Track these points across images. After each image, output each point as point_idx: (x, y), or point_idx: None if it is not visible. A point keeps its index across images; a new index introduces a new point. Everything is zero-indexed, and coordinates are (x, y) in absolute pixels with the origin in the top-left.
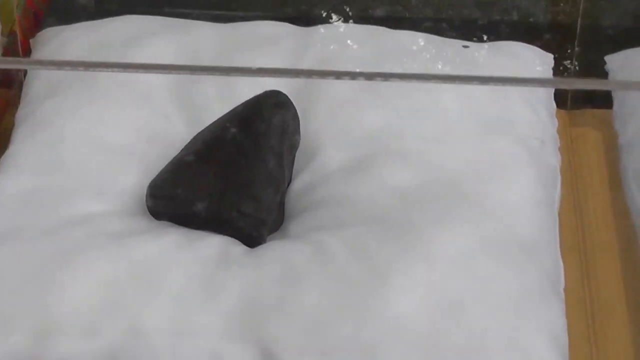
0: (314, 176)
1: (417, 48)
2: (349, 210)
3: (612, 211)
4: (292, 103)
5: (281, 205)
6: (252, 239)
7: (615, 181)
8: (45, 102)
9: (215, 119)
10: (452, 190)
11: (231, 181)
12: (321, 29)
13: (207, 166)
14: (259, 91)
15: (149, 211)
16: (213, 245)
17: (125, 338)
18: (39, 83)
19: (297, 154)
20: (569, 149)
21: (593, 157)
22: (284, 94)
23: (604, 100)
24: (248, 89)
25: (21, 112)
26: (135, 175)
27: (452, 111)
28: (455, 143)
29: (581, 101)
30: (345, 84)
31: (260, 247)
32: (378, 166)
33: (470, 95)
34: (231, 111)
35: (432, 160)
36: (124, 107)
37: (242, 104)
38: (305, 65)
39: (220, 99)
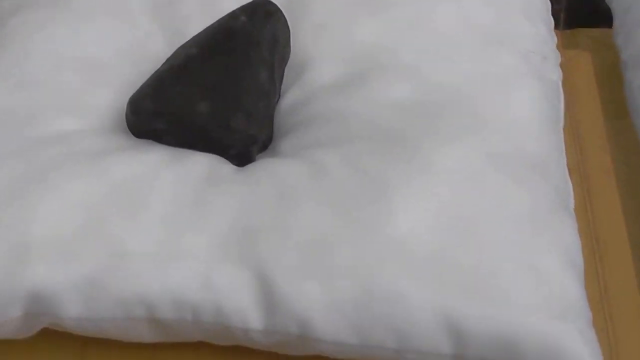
0: (304, 92)
1: None
2: (343, 126)
3: (608, 134)
4: (282, 13)
5: (270, 122)
6: (241, 157)
7: (612, 103)
8: (11, 20)
9: None
10: (453, 106)
11: (219, 95)
12: None
13: (191, 79)
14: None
15: (130, 129)
16: (200, 164)
17: (108, 262)
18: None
19: (286, 69)
20: (563, 70)
21: (588, 79)
22: (274, 3)
23: (599, 19)
24: (234, 3)
25: None
26: (113, 91)
27: (449, 23)
28: (453, 56)
29: (575, 21)
30: None
31: (250, 165)
32: (372, 81)
33: (468, 7)
34: (217, 21)
35: (431, 74)
36: (99, 22)
37: (229, 14)
38: None
39: (204, 13)
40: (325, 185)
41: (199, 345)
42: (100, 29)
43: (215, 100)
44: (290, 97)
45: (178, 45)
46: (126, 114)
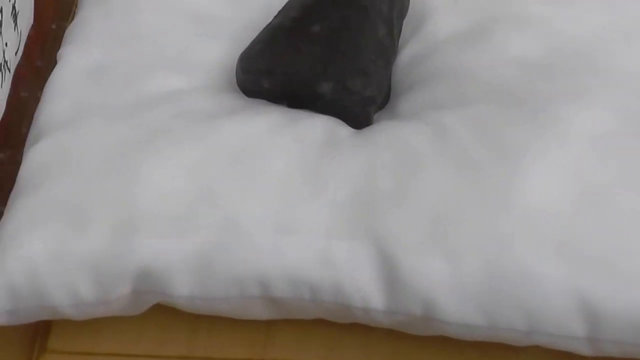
0: (422, 46)
1: None
2: (466, 84)
3: None
4: None
5: (388, 81)
6: (359, 120)
7: None
8: None
9: None
10: (583, 61)
11: (335, 53)
12: None
13: (306, 35)
14: None
15: (240, 87)
16: (316, 127)
17: (221, 237)
18: None
19: (404, 22)
20: None
21: None
22: None
23: None
24: None
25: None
26: (222, 45)
27: None
28: (583, 5)
29: None
30: None
31: (369, 128)
32: (496, 33)
33: None
34: None
35: (559, 26)
36: None
37: None
38: None
39: None
40: (449, 149)
41: (316, 322)
42: None
43: (332, 59)
44: (407, 53)
45: None
46: (236, 72)
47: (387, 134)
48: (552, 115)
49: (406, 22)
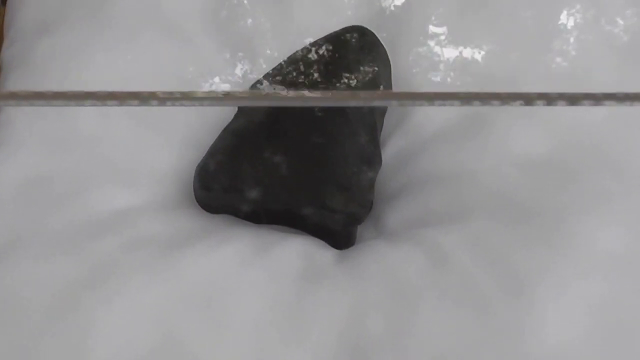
0: (410, 141)
1: None
2: (462, 191)
3: None
4: (379, 41)
5: (372, 188)
6: (341, 238)
7: None
8: (41, 40)
9: (274, 61)
10: (598, 158)
11: (311, 164)
12: None
13: (277, 144)
14: (326, 17)
15: (199, 204)
16: (293, 253)
17: None
18: (28, 10)
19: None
20: None
21: None
22: (369, 30)
23: None
24: (311, 15)
25: (8, 52)
26: (175, 150)
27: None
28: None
29: None
30: (439, 8)
31: (354, 249)
32: (495, 126)
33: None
34: (300, 57)
35: (570, 116)
36: (148, 45)
37: (315, 45)
38: None
39: (275, 27)
40: (448, 279)
41: None
42: (149, 54)
43: (308, 174)
44: (392, 149)
45: (249, 74)
46: (194, 187)
47: (375, 261)
48: (567, 233)
49: (388, 112)
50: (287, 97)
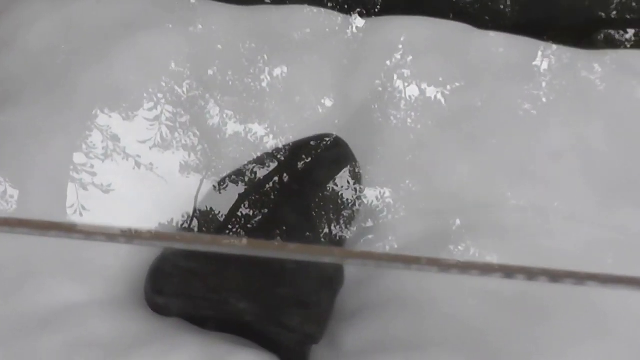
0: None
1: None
2: (425, 318)
3: None
4: (350, 151)
5: (332, 304)
6: (294, 356)
7: None
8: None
9: (238, 155)
10: (569, 295)
11: (271, 278)
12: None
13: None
14: (295, 119)
15: (149, 306)
16: None
17: None
18: None
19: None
20: None
21: None
22: (341, 140)
23: None
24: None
25: None
26: (124, 247)
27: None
28: (573, 215)
29: None
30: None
31: None
32: (460, 245)
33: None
34: (268, 170)
35: (540, 236)
36: (106, 128)
37: (280, 153)
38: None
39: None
40: None
41: None
42: (107, 136)
43: (266, 286)
44: (355, 272)
45: (212, 160)
46: (146, 289)
47: None
48: None
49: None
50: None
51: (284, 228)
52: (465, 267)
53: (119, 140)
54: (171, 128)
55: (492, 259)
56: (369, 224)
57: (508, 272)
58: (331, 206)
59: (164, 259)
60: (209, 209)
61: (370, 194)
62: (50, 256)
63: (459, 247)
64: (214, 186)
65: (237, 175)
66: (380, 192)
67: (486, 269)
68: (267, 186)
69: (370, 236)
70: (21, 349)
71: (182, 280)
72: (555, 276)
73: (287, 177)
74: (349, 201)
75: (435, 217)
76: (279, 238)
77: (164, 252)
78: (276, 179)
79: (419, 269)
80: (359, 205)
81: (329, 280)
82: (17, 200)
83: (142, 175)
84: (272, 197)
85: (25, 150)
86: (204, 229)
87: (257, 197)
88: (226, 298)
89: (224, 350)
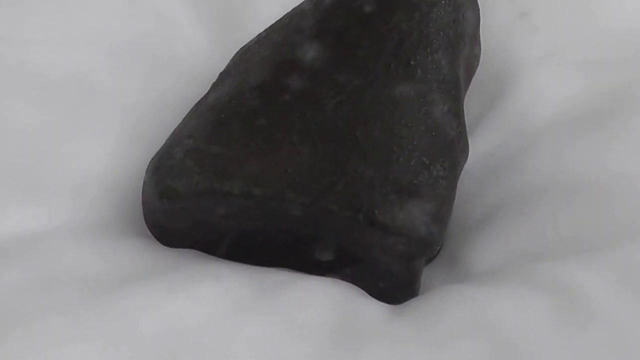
0: (508, 133)
1: None
2: (601, 208)
3: None
4: None
5: (452, 195)
6: (399, 286)
7: None
8: None
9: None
10: None
11: (345, 150)
12: None
13: (290, 122)
14: None
15: (151, 224)
16: (317, 300)
17: None
18: None
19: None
20: None
21: None
22: None
23: None
24: None
25: None
26: (108, 141)
27: None
28: None
29: None
30: None
31: (415, 301)
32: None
33: None
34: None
35: None
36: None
37: None
38: None
39: None
40: (590, 339)
41: None
42: (81, 14)
43: (336, 166)
44: (482, 146)
45: (229, 43)
46: (144, 198)
47: (461, 314)
48: None
49: (476, 83)
50: None
51: None
52: None
53: None
54: None
55: None
56: None
57: None
58: None
59: (173, 143)
60: None
61: None
62: (3, 170)
63: None
64: None
65: None
66: None
67: None
68: None
69: None
70: None
71: (204, 170)
72: None
73: None
74: None
75: None
76: None
77: (172, 136)
78: None
79: None
80: None
81: (444, 145)
82: None
83: None
84: None
85: None
86: None
87: None
88: (276, 186)
89: (281, 277)
